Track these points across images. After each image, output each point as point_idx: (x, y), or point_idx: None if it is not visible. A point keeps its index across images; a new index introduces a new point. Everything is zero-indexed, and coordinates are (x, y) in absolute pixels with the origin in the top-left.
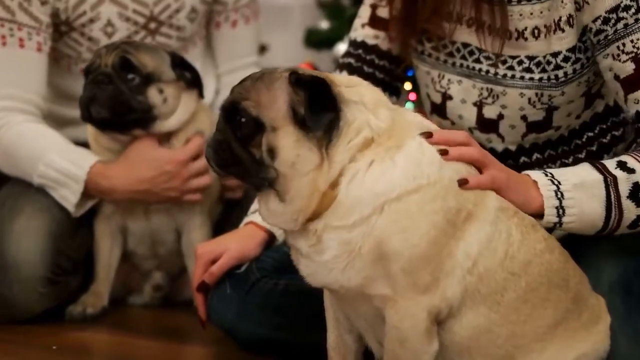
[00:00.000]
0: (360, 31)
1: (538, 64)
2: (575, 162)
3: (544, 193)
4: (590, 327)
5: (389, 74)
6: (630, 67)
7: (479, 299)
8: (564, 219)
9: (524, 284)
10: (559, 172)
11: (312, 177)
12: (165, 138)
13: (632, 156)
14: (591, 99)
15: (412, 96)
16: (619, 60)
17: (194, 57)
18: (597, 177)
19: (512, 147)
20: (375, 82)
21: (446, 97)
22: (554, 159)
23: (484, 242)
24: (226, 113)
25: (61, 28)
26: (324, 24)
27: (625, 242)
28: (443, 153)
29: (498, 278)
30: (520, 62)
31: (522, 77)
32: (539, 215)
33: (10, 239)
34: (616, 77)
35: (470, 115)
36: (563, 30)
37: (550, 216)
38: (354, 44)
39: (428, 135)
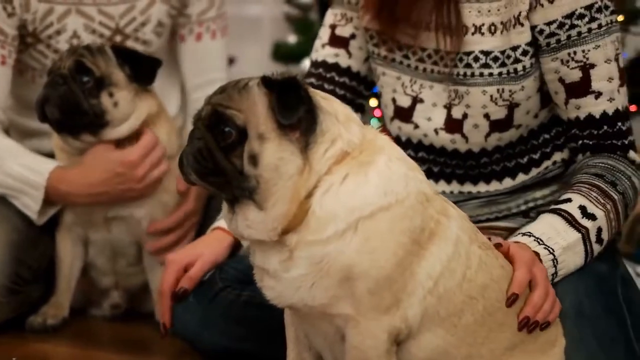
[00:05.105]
0: (321, 51)
1: (495, 59)
2: (530, 161)
3: (546, 264)
4: (547, 350)
5: (350, 90)
6: (577, 74)
7: (437, 321)
8: (555, 280)
9: (481, 307)
10: (546, 236)
11: (294, 181)
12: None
13: (585, 197)
14: (546, 98)
15: (378, 113)
16: (567, 66)
17: (158, 72)
18: (576, 236)
19: (476, 149)
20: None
21: (417, 100)
22: (511, 158)
23: (444, 261)
24: (209, 122)
25: (27, 40)
26: (292, 38)
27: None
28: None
29: (456, 300)
30: (476, 59)
31: (481, 74)
32: None
33: None
34: (560, 80)
35: (439, 117)
36: (522, 25)
37: None
38: (314, 64)
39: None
